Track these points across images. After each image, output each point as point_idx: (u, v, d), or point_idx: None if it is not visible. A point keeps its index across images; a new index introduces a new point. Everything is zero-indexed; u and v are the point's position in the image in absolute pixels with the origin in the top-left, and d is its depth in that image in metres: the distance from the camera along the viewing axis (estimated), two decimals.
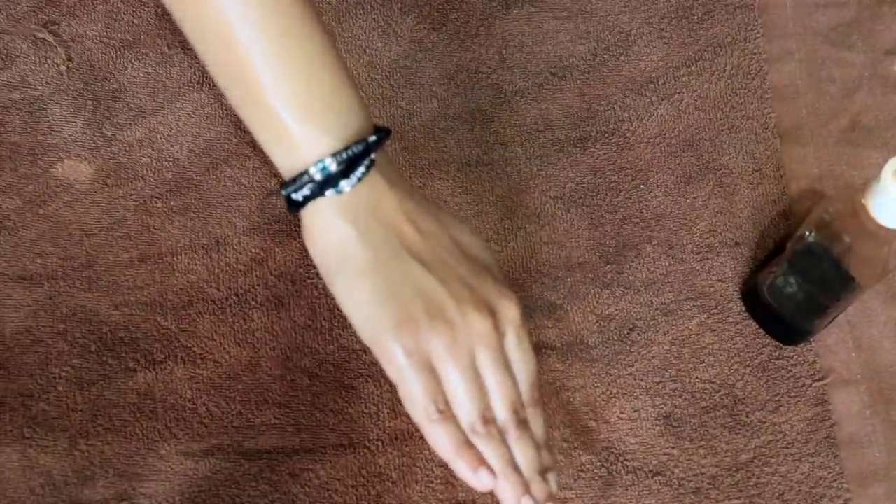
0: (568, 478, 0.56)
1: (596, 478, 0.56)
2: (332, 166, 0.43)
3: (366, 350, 0.58)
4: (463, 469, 0.45)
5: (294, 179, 0.44)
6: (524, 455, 0.46)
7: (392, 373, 0.44)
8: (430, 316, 0.43)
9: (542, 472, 0.47)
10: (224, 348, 0.58)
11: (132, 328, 0.58)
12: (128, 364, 0.57)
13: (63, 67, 0.66)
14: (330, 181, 0.43)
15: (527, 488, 0.46)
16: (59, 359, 0.57)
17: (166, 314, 0.59)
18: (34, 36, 0.67)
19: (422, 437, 0.56)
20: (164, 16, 0.68)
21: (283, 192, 0.44)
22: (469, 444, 0.45)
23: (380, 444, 0.56)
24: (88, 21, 0.68)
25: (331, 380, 0.58)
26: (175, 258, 0.61)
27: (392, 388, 0.57)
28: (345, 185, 0.43)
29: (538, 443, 0.47)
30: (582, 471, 0.56)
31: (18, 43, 0.67)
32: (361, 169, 0.43)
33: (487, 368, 0.45)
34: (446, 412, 0.44)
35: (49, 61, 0.66)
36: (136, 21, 0.68)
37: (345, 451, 0.56)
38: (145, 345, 0.58)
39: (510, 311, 0.46)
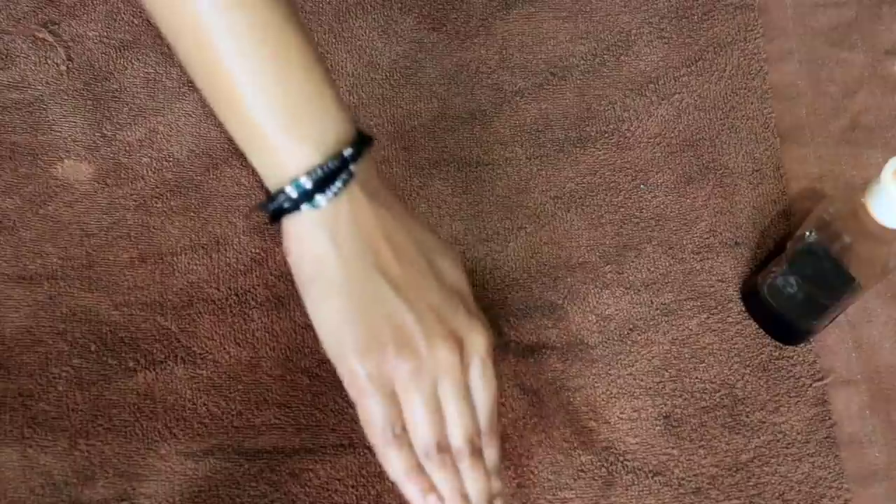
0: (568, 478, 0.56)
1: (596, 478, 0.56)
2: (308, 184, 0.42)
3: None
4: (413, 492, 0.45)
5: (272, 197, 0.43)
6: (475, 483, 0.46)
7: (353, 393, 0.44)
8: (396, 343, 0.43)
9: (490, 500, 0.47)
10: (224, 348, 0.58)
11: (132, 328, 0.58)
12: (128, 364, 0.57)
13: (63, 67, 0.66)
14: (305, 197, 0.43)
15: None
16: (59, 359, 0.57)
17: (166, 314, 0.59)
18: (34, 36, 0.67)
19: None
20: None
21: (261, 209, 0.44)
22: (421, 470, 0.45)
23: None
24: (88, 21, 0.68)
25: (331, 380, 0.58)
26: (175, 258, 0.61)
27: None
28: (321, 199, 0.43)
29: (489, 471, 0.47)
30: (582, 471, 0.56)
31: (18, 43, 0.67)
32: (338, 184, 0.43)
33: (448, 398, 0.45)
34: (402, 436, 0.45)
35: (49, 61, 0.66)
36: (136, 21, 0.68)
37: (345, 451, 0.56)
38: (145, 345, 0.58)
39: (477, 341, 0.46)
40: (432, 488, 0.45)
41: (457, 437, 0.45)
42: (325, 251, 0.43)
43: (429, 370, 0.44)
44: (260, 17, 0.42)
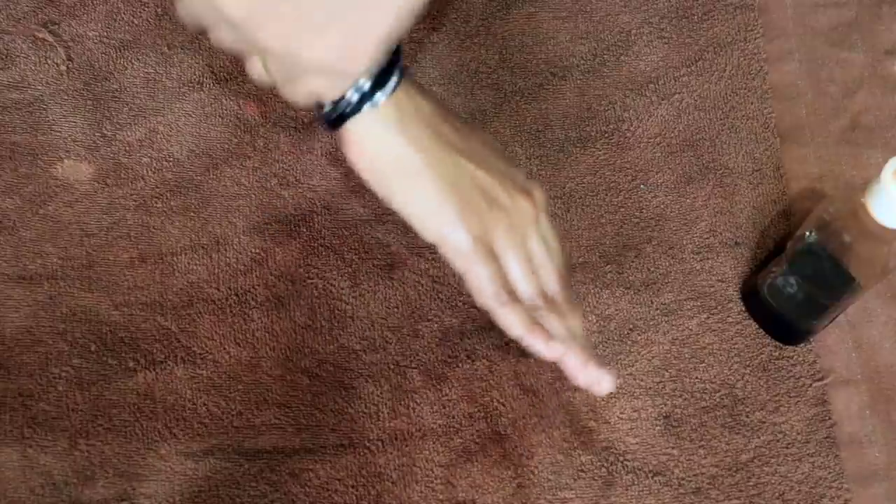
0: (568, 478, 0.56)
1: (596, 478, 0.56)
2: (367, 85, 0.44)
3: (365, 350, 0.58)
4: (537, 343, 0.50)
5: (333, 105, 0.45)
6: (573, 320, 0.51)
7: (460, 263, 0.48)
8: (488, 204, 0.47)
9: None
10: (224, 348, 0.58)
11: (132, 328, 0.58)
12: (128, 364, 0.57)
13: (63, 67, 0.66)
14: (366, 97, 0.44)
15: (590, 354, 0.51)
16: (59, 359, 0.57)
17: (166, 314, 0.59)
18: (34, 36, 0.67)
19: (421, 438, 0.56)
20: (164, 16, 0.68)
21: (320, 119, 0.46)
22: (535, 321, 0.49)
23: (380, 444, 0.56)
24: (88, 21, 0.68)
25: (331, 380, 0.58)
26: (175, 258, 0.61)
27: (392, 388, 0.57)
28: (380, 96, 0.44)
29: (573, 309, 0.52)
30: (582, 471, 0.56)
31: (18, 43, 0.67)
32: (393, 79, 0.44)
33: (536, 249, 0.49)
34: (513, 295, 0.49)
35: (49, 61, 0.66)
36: (136, 21, 0.68)
37: (345, 451, 0.56)
38: (145, 345, 0.58)
39: (540, 196, 0.50)
40: (551, 336, 0.50)
41: (551, 284, 0.50)
42: (398, 142, 0.45)
43: (517, 224, 0.48)
44: None
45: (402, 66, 0.45)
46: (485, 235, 0.47)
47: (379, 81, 0.44)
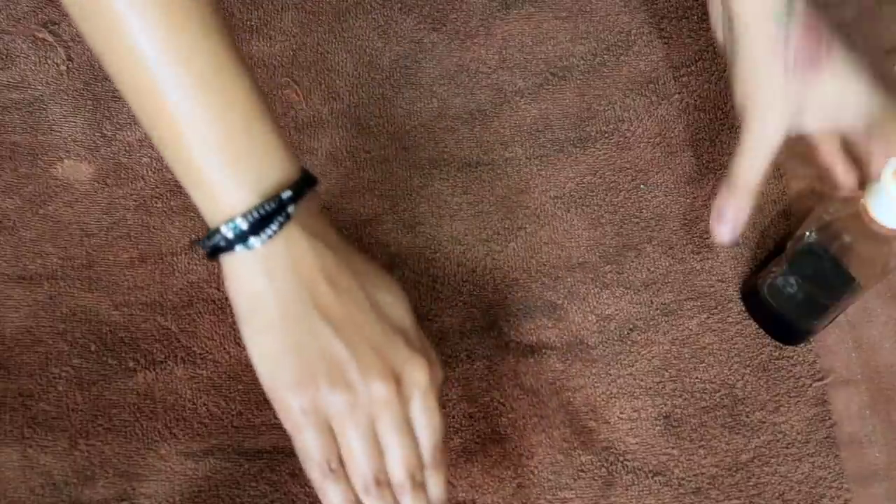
0: (568, 478, 0.56)
1: (596, 478, 0.56)
2: (244, 225, 0.42)
3: None
4: None
5: (209, 234, 0.43)
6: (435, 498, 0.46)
7: (288, 427, 0.45)
8: (330, 378, 0.43)
9: None
10: (224, 348, 0.58)
11: (132, 328, 0.58)
12: (128, 364, 0.57)
13: (63, 67, 0.66)
14: (240, 238, 0.42)
15: None
16: (59, 359, 0.57)
17: (166, 314, 0.59)
18: (34, 36, 0.67)
19: None
20: None
21: (199, 245, 0.44)
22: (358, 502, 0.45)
23: None
24: None
25: None
26: (175, 258, 0.61)
27: None
28: (255, 241, 0.42)
29: None
30: (582, 471, 0.56)
31: (18, 43, 0.67)
32: (273, 227, 0.42)
33: (386, 431, 0.45)
34: (339, 471, 0.45)
35: (49, 61, 0.66)
36: None
37: None
38: (145, 345, 0.58)
39: (417, 375, 0.45)
40: None
41: (396, 471, 0.45)
42: (260, 289, 0.43)
43: (364, 405, 0.44)
44: (199, 45, 0.41)
45: (287, 213, 0.42)
46: (318, 407, 0.44)
47: (257, 226, 0.42)
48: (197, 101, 0.41)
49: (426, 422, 0.46)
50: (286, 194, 0.42)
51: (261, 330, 0.44)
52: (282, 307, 0.43)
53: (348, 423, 0.44)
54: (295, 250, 0.43)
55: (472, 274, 0.61)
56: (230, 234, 0.42)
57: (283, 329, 0.43)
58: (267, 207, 0.42)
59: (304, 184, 0.44)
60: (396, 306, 0.47)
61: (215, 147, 0.42)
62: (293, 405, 0.44)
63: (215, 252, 0.43)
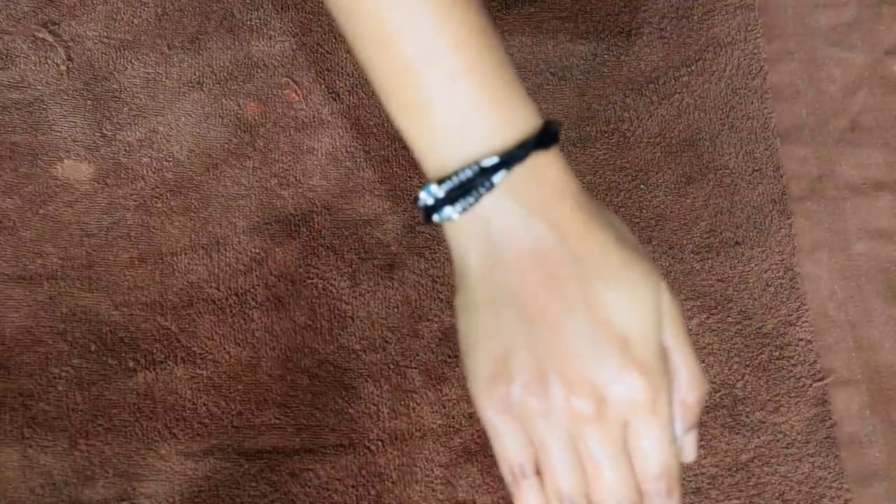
0: None
1: None
2: (440, 193, 0.37)
3: (365, 350, 0.58)
4: None
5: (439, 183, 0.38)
6: None
7: (483, 425, 0.40)
8: (525, 380, 0.38)
9: None
10: (224, 348, 0.58)
11: (132, 328, 0.58)
12: (128, 364, 0.57)
13: (63, 67, 0.66)
14: (434, 208, 0.37)
15: None
16: (59, 359, 0.57)
17: (166, 314, 0.59)
18: (34, 36, 0.67)
19: (421, 438, 0.56)
20: (164, 16, 0.68)
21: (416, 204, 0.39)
22: None
23: (380, 444, 0.56)
24: (88, 21, 0.68)
25: (331, 380, 0.58)
26: (175, 258, 0.61)
27: (392, 388, 0.57)
28: (450, 212, 0.37)
29: None
30: None
31: (18, 43, 0.67)
32: (470, 199, 0.37)
33: (596, 458, 0.38)
34: (536, 479, 0.39)
35: (49, 61, 0.66)
36: (136, 21, 0.68)
37: (345, 451, 0.56)
38: (145, 345, 0.58)
39: (625, 393, 0.37)
40: None
41: (606, 498, 0.38)
42: (464, 261, 0.38)
43: (560, 417, 0.38)
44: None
45: (492, 183, 0.37)
46: (511, 405, 0.38)
47: (454, 197, 0.36)
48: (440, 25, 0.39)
49: (650, 447, 0.38)
50: (489, 161, 0.37)
51: (463, 307, 0.39)
52: (481, 290, 0.38)
53: (546, 434, 0.38)
54: (503, 225, 0.37)
55: None
56: (430, 201, 0.37)
57: (480, 315, 0.38)
58: (461, 176, 0.37)
59: (521, 147, 0.39)
60: (626, 308, 0.38)
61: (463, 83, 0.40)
62: (484, 402, 0.39)
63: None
